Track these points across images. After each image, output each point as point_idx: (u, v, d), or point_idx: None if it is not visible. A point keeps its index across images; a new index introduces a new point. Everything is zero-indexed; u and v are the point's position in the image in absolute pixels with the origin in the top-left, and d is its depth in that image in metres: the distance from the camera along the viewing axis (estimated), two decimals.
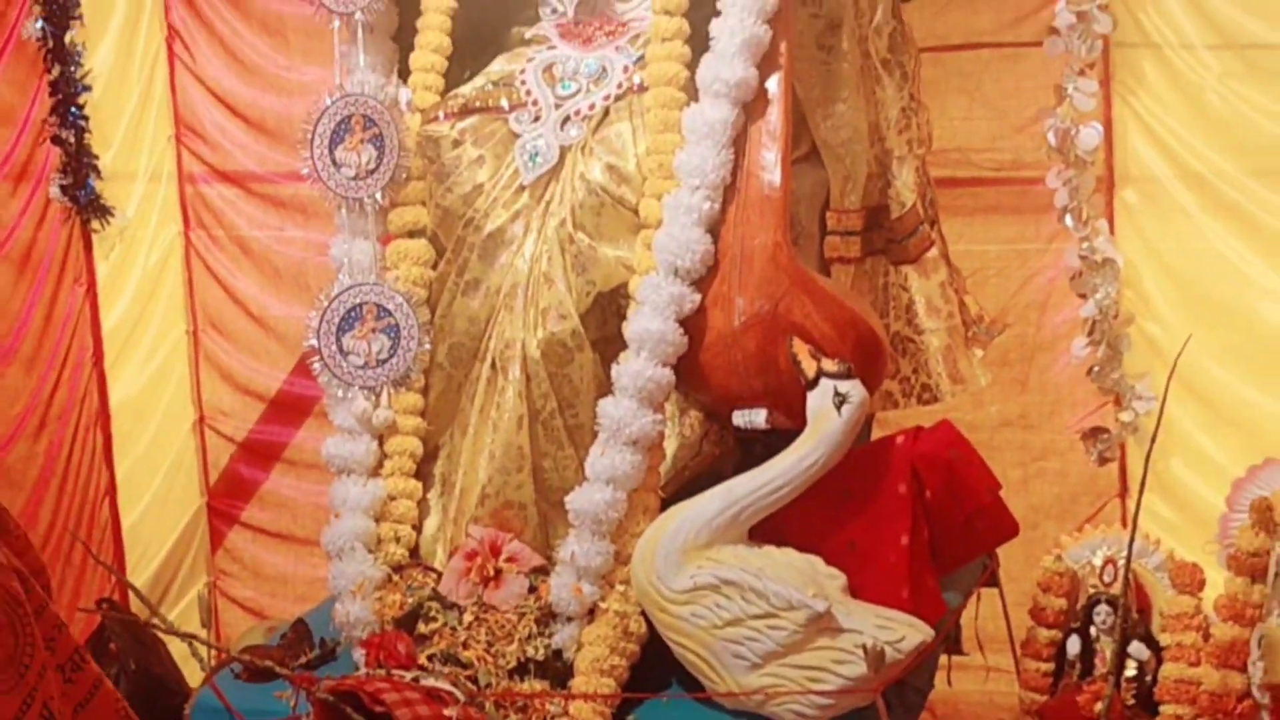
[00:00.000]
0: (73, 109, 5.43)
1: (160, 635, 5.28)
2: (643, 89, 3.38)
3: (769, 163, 3.25)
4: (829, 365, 3.13)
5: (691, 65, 3.33)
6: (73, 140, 5.42)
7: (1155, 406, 4.37)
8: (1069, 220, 4.44)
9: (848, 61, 3.55)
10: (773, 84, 3.29)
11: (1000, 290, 4.92)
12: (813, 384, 3.12)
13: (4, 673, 1.18)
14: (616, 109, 3.41)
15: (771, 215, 3.23)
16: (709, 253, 3.22)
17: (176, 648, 5.22)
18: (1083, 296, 4.49)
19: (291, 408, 5.95)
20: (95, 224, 5.52)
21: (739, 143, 3.27)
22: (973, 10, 4.87)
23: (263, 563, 6.11)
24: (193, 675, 5.32)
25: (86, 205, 5.47)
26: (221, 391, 6.05)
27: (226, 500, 6.13)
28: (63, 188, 5.44)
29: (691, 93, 3.31)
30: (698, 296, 3.23)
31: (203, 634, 5.35)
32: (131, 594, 5.44)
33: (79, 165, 5.44)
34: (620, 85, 3.43)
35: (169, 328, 5.99)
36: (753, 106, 3.28)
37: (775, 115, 3.27)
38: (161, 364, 5.97)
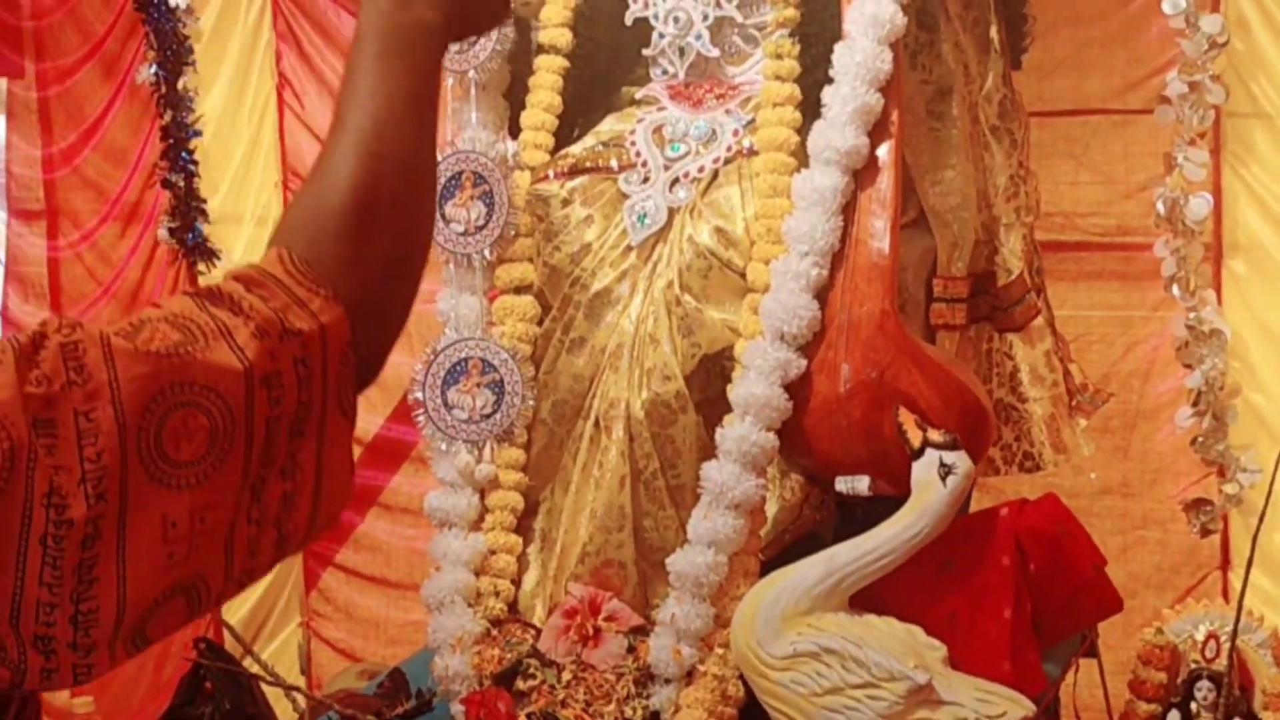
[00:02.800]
0: (183, 153, 5.53)
1: (254, 676, 5.33)
2: (752, 153, 3.39)
3: (878, 230, 3.25)
4: (935, 435, 3.11)
5: (802, 131, 3.34)
6: (182, 184, 5.52)
7: (1260, 479, 4.32)
8: (1176, 290, 4.41)
9: (957, 128, 3.53)
10: (883, 151, 3.29)
11: (1103, 357, 4.89)
12: (918, 454, 3.11)
13: None
14: (725, 172, 3.42)
15: (880, 283, 3.23)
16: (816, 319, 3.22)
17: (269, 688, 5.26)
18: (1189, 366, 4.45)
19: (388, 453, 5.99)
20: (202, 267, 5.61)
21: (848, 209, 3.27)
22: (1082, 76, 4.86)
23: (356, 605, 6.15)
24: (286, 717, 5.36)
25: (193, 248, 5.57)
26: None
27: (321, 542, 6.17)
28: (171, 230, 5.54)
29: (802, 158, 3.32)
30: (804, 362, 3.23)
31: (298, 678, 5.39)
32: (227, 633, 5.50)
33: (187, 209, 5.54)
34: (730, 149, 3.44)
35: None
36: (863, 174, 3.28)
37: (885, 183, 3.28)
38: None
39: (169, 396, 1.19)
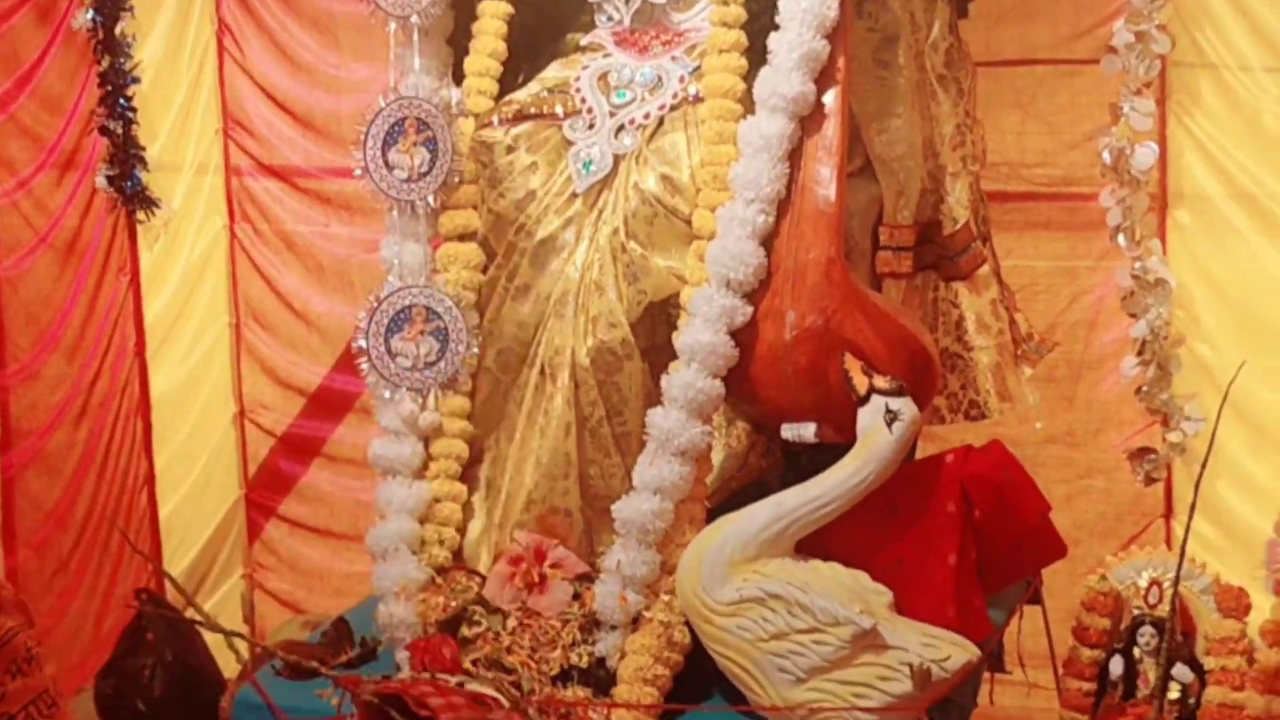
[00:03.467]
0: (121, 100, 5.47)
1: (196, 626, 5.31)
2: (698, 100, 3.37)
3: (824, 177, 3.24)
4: (880, 382, 3.11)
5: (748, 78, 3.32)
6: (120, 131, 5.47)
7: (1203, 428, 4.35)
8: (1122, 239, 4.42)
9: (904, 76, 3.52)
10: (829, 98, 3.27)
11: (1049, 307, 4.91)
12: (864, 400, 3.11)
13: None
14: (671, 119, 3.40)
15: (826, 230, 3.22)
16: (762, 266, 3.21)
17: (211, 638, 5.24)
18: (1134, 316, 4.46)
19: (331, 403, 5.98)
20: (141, 215, 5.57)
21: (794, 156, 3.25)
22: (1029, 25, 4.86)
23: (299, 556, 6.14)
24: (228, 667, 5.34)
25: (132, 196, 5.52)
26: (262, 385, 6.08)
27: (265, 493, 6.16)
28: (109, 178, 5.49)
29: (748, 105, 3.30)
30: (749, 309, 3.22)
31: (241, 629, 5.37)
32: (169, 584, 5.48)
33: (126, 156, 5.49)
34: (676, 95, 3.42)
35: (211, 320, 6.02)
36: (809, 121, 3.26)
37: (832, 130, 3.26)
38: (203, 356, 6.01)
39: None
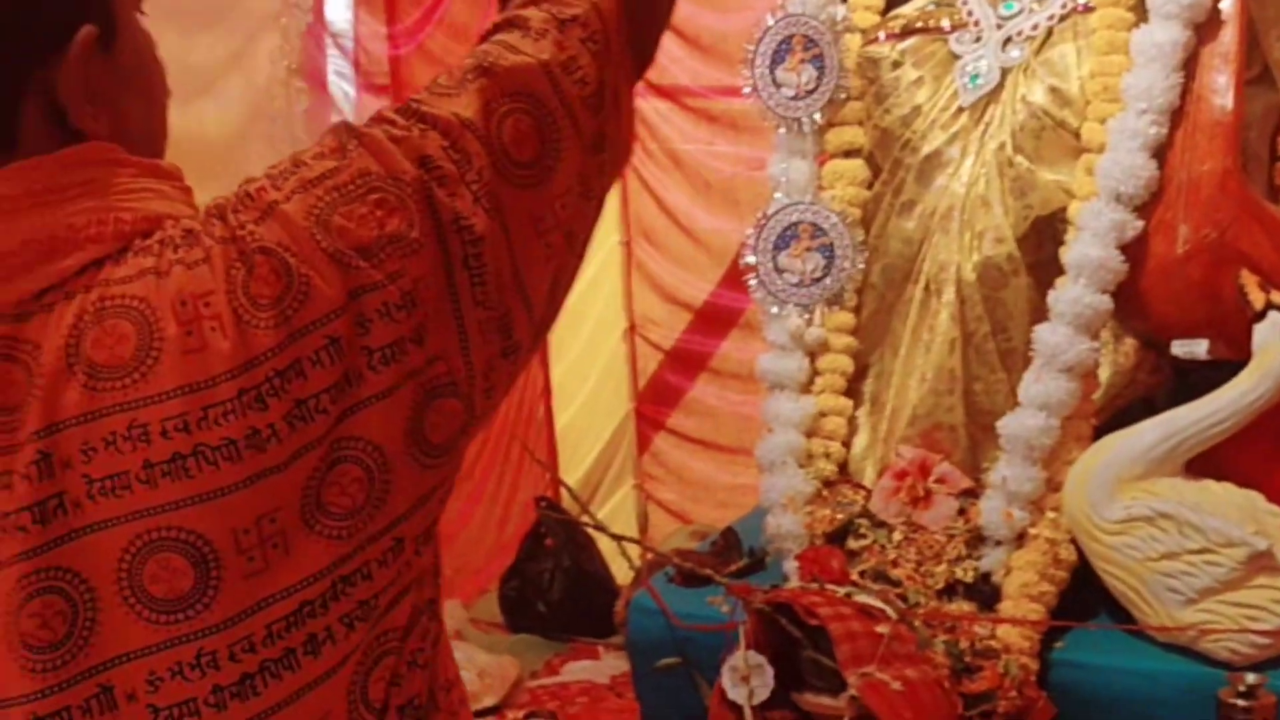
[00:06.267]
0: None
1: (591, 534, 5.53)
2: (1088, 9, 3.31)
3: (1220, 86, 3.14)
4: (1278, 297, 3.02)
5: None
6: None
7: None
8: None
9: None
10: (1226, 3, 3.16)
11: None
12: (1260, 316, 3.02)
13: None
14: (1060, 30, 3.35)
15: (1221, 141, 3.12)
16: (1154, 179, 3.14)
17: (605, 545, 5.45)
18: None
19: (718, 319, 6.08)
20: None
21: (1188, 65, 3.16)
22: None
23: (686, 468, 6.29)
24: (620, 574, 5.55)
25: None
26: (651, 301, 6.23)
27: (653, 406, 6.32)
28: None
29: (1140, 13, 3.22)
30: (1140, 223, 3.16)
31: (635, 536, 5.55)
32: (565, 493, 5.71)
33: None
34: (1065, 5, 3.36)
35: (604, 238, 6.18)
36: (1204, 27, 3.16)
37: (1229, 37, 3.15)
38: (596, 273, 6.19)
39: (496, 107, 1.30)
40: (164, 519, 1.17)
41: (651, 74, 5.09)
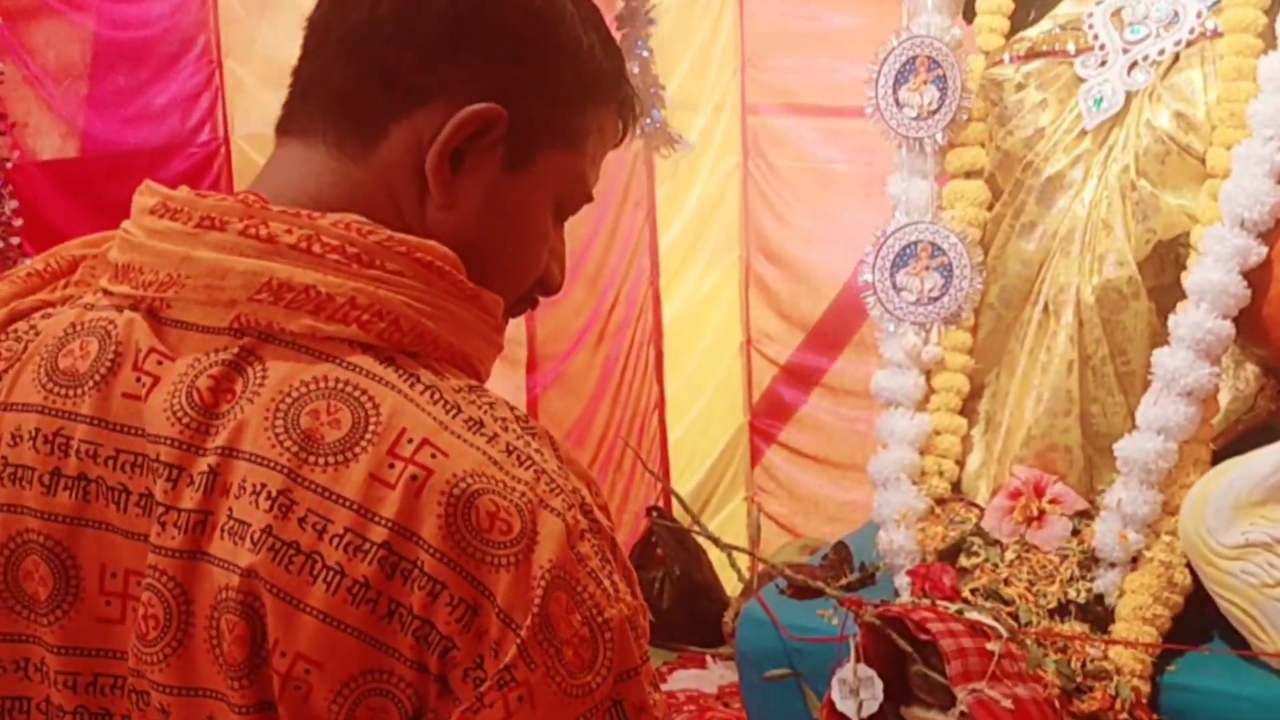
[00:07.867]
0: (639, 41, 5.72)
1: (700, 544, 5.57)
2: (1216, 35, 3.30)
3: None
4: None
5: (1271, 11, 3.23)
6: (638, 71, 5.71)
7: None
8: None
9: None
10: None
11: None
12: None
13: None
14: (1187, 55, 3.34)
15: None
16: (1278, 205, 3.14)
17: (715, 557, 5.49)
18: None
19: (832, 337, 6.11)
20: (663, 151, 5.81)
21: None
22: None
23: (797, 483, 6.33)
24: (729, 585, 5.59)
25: (652, 134, 5.76)
26: (767, 316, 6.28)
27: (767, 420, 6.37)
28: None
29: (1269, 40, 3.22)
30: (1264, 250, 3.14)
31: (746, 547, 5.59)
32: (676, 503, 5.76)
33: (644, 95, 5.73)
34: (1192, 31, 3.35)
35: (723, 253, 6.24)
36: None
37: None
38: (713, 287, 6.24)
39: None
40: (247, 584, 1.18)
41: (776, 93, 5.08)
